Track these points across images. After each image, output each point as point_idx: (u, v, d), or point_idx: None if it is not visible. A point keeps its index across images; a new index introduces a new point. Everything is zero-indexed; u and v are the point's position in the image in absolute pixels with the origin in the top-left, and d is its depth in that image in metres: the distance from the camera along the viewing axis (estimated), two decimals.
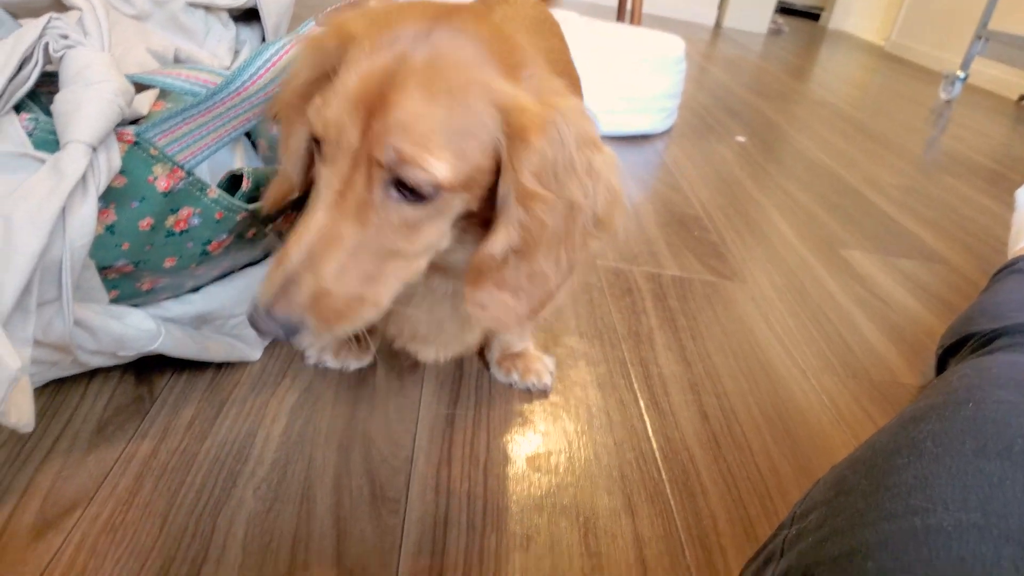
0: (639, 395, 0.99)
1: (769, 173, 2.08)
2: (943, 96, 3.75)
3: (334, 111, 0.55)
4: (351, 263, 0.57)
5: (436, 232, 0.61)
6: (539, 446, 0.88)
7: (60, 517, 0.68)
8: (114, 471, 0.74)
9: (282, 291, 0.55)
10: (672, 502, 0.82)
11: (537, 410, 0.94)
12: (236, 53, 0.99)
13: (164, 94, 0.79)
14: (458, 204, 0.60)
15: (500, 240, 0.60)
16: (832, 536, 0.48)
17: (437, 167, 0.54)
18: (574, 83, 0.91)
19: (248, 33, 1.01)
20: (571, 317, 1.16)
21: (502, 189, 0.59)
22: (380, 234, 0.57)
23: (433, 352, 0.84)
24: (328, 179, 0.57)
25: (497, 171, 0.59)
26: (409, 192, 0.56)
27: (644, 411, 0.96)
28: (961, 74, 3.67)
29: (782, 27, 5.87)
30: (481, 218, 0.63)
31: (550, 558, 0.73)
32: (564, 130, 0.58)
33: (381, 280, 0.59)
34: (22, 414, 0.58)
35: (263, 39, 1.02)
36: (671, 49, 2.18)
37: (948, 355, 1.09)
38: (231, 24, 1.02)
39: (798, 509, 0.56)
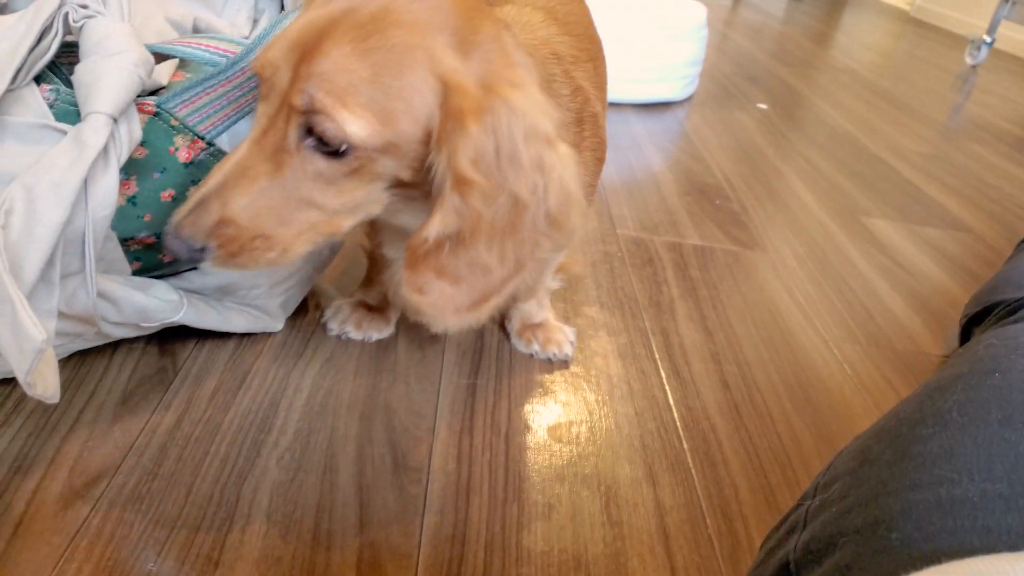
0: (660, 365, 0.99)
1: (791, 141, 2.05)
2: (969, 61, 3.67)
3: (273, 52, 0.55)
4: (261, 200, 0.57)
5: (360, 194, 0.59)
6: (560, 416, 0.88)
7: (87, 487, 0.69)
8: (139, 442, 0.75)
9: (191, 213, 0.56)
10: (693, 471, 0.82)
11: (558, 380, 0.94)
12: (255, 23, 0.98)
13: (184, 64, 0.79)
14: (383, 170, 0.58)
15: (435, 225, 0.57)
16: (856, 506, 0.48)
17: (350, 123, 0.53)
18: (593, 48, 0.89)
19: (267, 2, 1.00)
20: (592, 287, 1.15)
21: (438, 171, 0.57)
22: (295, 180, 0.57)
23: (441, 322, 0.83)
24: (258, 117, 0.57)
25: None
26: (323, 144, 0.55)
27: (665, 381, 0.96)
28: (988, 38, 3.59)
29: None
30: (424, 191, 0.61)
31: (572, 527, 0.73)
32: (508, 121, 0.55)
33: (294, 227, 0.58)
34: (47, 385, 0.58)
35: (282, 8, 1.01)
36: (692, 16, 2.14)
37: (972, 324, 1.08)
38: None
39: (821, 479, 0.56)
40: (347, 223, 0.61)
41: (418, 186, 0.60)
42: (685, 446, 0.86)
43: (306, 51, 0.53)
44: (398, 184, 0.60)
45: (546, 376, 0.95)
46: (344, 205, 0.59)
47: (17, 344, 0.54)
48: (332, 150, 0.55)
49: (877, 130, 2.28)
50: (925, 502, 0.44)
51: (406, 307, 0.82)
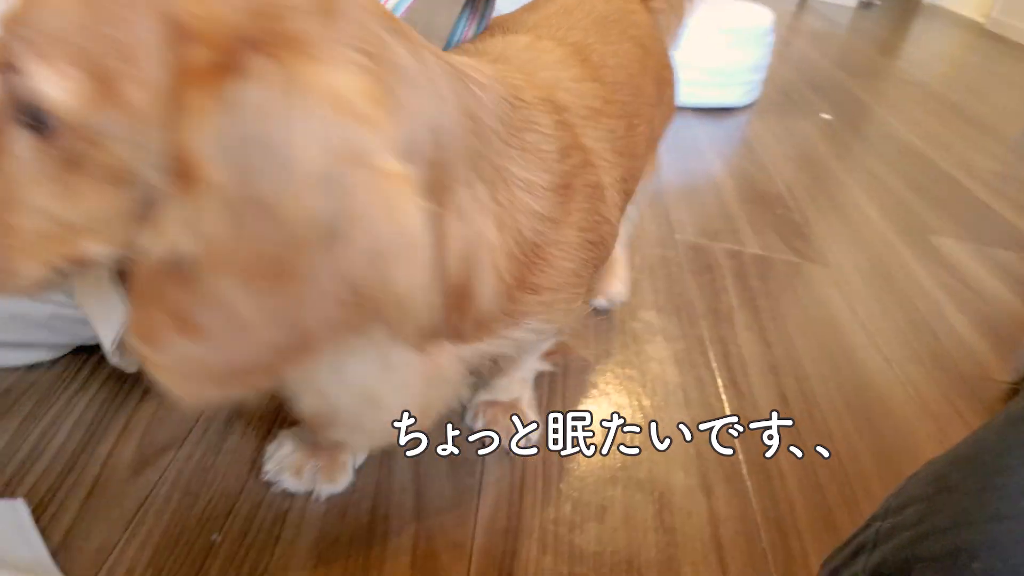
0: (717, 374, 0.98)
1: (855, 153, 2.01)
2: None
3: None
4: None
5: (99, 203, 0.41)
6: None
7: (156, 455, 0.71)
8: (204, 415, 0.76)
9: None
10: (749, 483, 0.81)
11: (612, 383, 0.94)
12: None
13: None
14: (119, 164, 0.40)
15: (152, 232, 0.39)
16: (933, 533, 0.47)
17: (43, 80, 0.37)
18: (636, 102, 0.72)
19: None
20: (649, 291, 1.14)
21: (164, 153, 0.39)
22: (7, 166, 0.41)
23: (364, 437, 0.65)
24: None
25: None
26: (33, 118, 0.39)
27: (722, 390, 0.95)
28: None
29: (873, 0, 5.64)
30: None
31: (624, 530, 0.73)
32: (275, 101, 0.37)
33: (14, 234, 0.42)
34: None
35: None
36: (759, 21, 2.11)
37: None
38: None
39: (892, 502, 0.55)
40: (91, 247, 0.43)
41: None
42: (741, 457, 0.85)
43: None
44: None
45: (600, 378, 0.94)
46: (78, 216, 0.42)
47: (104, 313, 0.56)
48: (38, 124, 0.39)
49: (946, 145, 2.22)
50: (1009, 534, 0.43)
51: (329, 426, 0.61)
